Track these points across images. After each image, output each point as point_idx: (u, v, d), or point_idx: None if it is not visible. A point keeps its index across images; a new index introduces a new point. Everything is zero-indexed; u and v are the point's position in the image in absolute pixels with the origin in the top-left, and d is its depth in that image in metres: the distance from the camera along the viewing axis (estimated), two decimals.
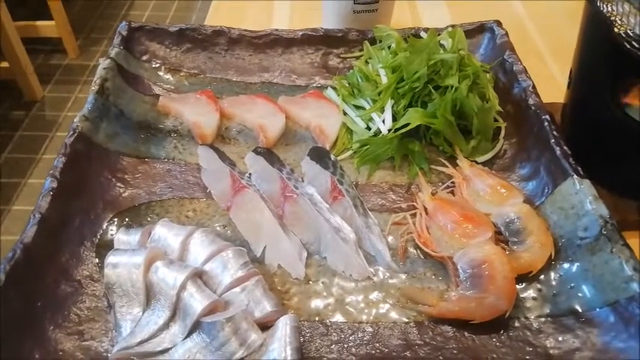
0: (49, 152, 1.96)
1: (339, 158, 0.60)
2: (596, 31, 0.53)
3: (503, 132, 0.62)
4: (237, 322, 0.42)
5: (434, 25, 0.73)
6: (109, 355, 0.42)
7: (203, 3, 2.75)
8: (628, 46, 0.48)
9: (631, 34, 0.47)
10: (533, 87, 0.62)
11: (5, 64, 2.03)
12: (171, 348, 0.42)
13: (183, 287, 0.43)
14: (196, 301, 0.43)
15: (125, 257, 0.46)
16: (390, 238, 0.53)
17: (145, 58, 0.69)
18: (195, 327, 0.42)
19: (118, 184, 0.56)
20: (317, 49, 0.71)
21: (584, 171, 0.52)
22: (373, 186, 0.58)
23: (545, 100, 0.61)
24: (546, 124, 0.57)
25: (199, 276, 0.46)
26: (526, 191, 0.56)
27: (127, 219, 0.53)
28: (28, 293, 0.44)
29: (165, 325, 0.43)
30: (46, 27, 2.25)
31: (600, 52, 0.53)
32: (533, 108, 0.59)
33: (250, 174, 0.58)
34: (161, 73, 0.69)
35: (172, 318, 0.43)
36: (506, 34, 0.69)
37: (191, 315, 0.42)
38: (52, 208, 0.48)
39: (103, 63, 0.63)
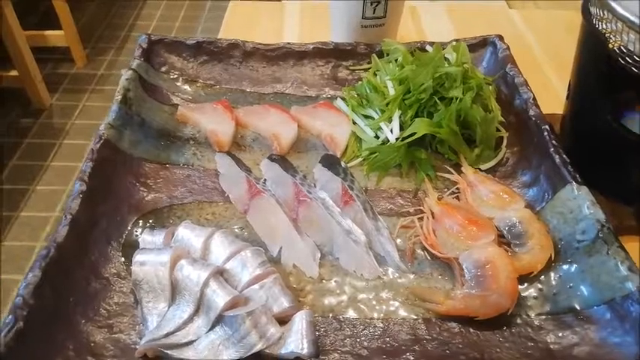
0: (57, 159, 2.00)
1: (349, 165, 0.63)
2: (593, 47, 0.56)
3: (505, 141, 0.65)
4: (257, 316, 0.45)
5: (436, 37, 0.76)
6: (137, 346, 0.45)
7: (209, 14, 2.80)
8: (622, 62, 0.51)
9: (624, 50, 0.50)
10: (534, 99, 0.65)
11: (14, 73, 2.07)
12: (195, 340, 0.45)
13: (206, 284, 0.46)
14: (219, 296, 0.46)
15: (151, 256, 0.49)
16: (398, 241, 0.55)
17: (163, 69, 0.72)
18: (218, 320, 0.45)
19: (142, 188, 0.59)
20: (327, 61, 0.75)
21: (583, 178, 0.55)
22: (382, 191, 0.61)
23: (545, 110, 0.64)
24: (546, 133, 0.60)
25: (221, 274, 0.48)
26: (527, 197, 0.59)
27: (150, 221, 0.56)
28: (62, 289, 0.46)
29: (190, 319, 0.46)
30: (54, 36, 2.30)
31: (596, 66, 0.56)
32: (533, 119, 0.62)
33: (265, 180, 0.61)
34: (179, 84, 0.72)
35: (196, 312, 0.46)
36: (508, 48, 0.73)
37: (214, 309, 0.45)
38: (82, 210, 0.51)
39: (126, 74, 0.66)
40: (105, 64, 2.45)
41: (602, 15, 0.53)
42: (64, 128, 2.13)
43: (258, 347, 0.44)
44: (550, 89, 0.79)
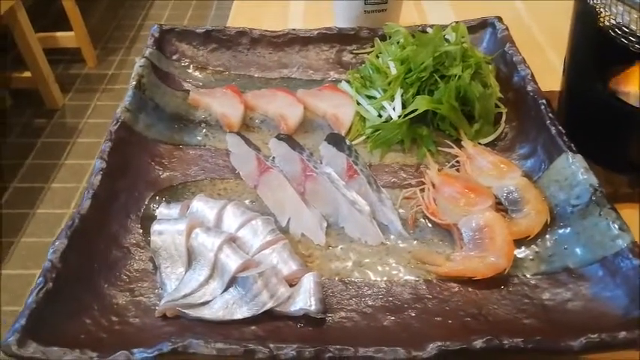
0: (71, 158, 2.04)
1: (353, 143, 0.66)
2: (585, 22, 0.58)
3: (504, 117, 0.68)
4: (267, 276, 0.48)
5: (439, 23, 0.79)
6: (157, 307, 0.48)
7: (215, 14, 2.84)
8: (612, 34, 0.53)
9: (614, 22, 0.53)
10: (532, 75, 0.67)
11: (28, 74, 2.13)
12: (211, 300, 0.48)
13: (220, 249, 0.49)
14: (232, 260, 0.49)
15: (169, 225, 0.52)
16: (401, 211, 0.58)
17: (175, 57, 0.76)
18: (232, 282, 0.48)
19: (157, 167, 0.62)
20: (331, 46, 0.78)
21: (580, 150, 0.57)
22: (385, 166, 0.64)
23: (544, 88, 0.66)
24: (543, 107, 0.62)
25: (233, 241, 0.52)
26: (525, 168, 0.61)
27: (166, 196, 0.59)
28: (86, 256, 0.50)
29: (206, 282, 0.49)
30: (65, 38, 2.35)
31: (588, 40, 0.59)
32: (531, 94, 0.65)
33: (274, 157, 0.64)
34: (190, 71, 0.76)
35: (211, 275, 0.49)
36: (507, 28, 0.75)
37: (228, 272, 0.48)
38: (102, 185, 0.55)
39: (139, 62, 0.70)
40: (115, 64, 2.50)
41: None
42: (77, 127, 2.17)
43: (269, 305, 0.47)
44: (550, 69, 0.81)
